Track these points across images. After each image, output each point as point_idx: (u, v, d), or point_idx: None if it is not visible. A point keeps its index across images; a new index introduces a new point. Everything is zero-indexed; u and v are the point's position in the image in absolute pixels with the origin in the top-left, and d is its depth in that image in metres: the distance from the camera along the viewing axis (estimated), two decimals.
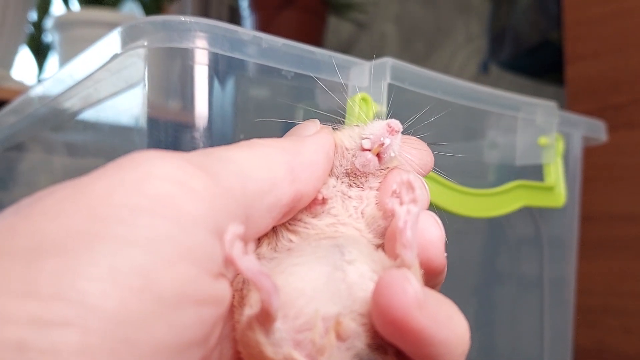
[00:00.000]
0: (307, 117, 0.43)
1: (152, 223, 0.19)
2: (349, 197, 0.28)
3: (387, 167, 0.29)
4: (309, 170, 0.26)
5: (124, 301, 0.18)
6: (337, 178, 0.29)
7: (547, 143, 0.54)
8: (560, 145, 0.56)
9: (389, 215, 0.27)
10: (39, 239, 0.18)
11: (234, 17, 1.61)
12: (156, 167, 0.21)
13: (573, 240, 0.62)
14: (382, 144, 0.28)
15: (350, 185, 0.29)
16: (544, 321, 0.61)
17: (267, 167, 0.24)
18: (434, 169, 0.31)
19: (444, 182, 0.46)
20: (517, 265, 0.63)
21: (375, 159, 0.28)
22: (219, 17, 1.61)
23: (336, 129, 0.30)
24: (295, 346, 0.23)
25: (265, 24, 1.38)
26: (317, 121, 0.29)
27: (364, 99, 0.39)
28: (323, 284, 0.24)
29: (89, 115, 0.49)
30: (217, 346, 0.24)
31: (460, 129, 0.54)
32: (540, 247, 0.61)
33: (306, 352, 0.23)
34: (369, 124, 0.29)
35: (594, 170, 0.94)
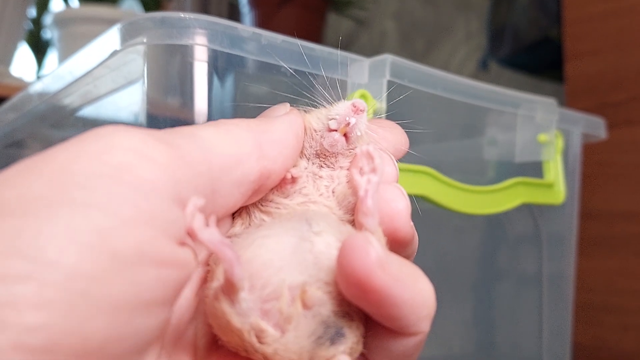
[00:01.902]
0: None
1: (110, 188, 0.20)
2: (320, 177, 0.29)
3: (356, 147, 0.29)
4: (277, 148, 0.26)
5: (80, 257, 0.18)
6: (308, 159, 0.29)
7: (546, 140, 0.54)
8: (559, 143, 0.56)
9: (356, 189, 0.27)
10: (1, 203, 0.19)
11: (234, 14, 1.61)
12: (118, 139, 0.21)
13: (572, 237, 0.62)
14: (348, 124, 0.28)
15: (321, 166, 0.29)
16: (543, 318, 0.61)
17: (234, 142, 0.25)
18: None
19: (443, 179, 0.46)
20: (516, 262, 0.63)
21: (343, 138, 0.29)
22: (218, 14, 1.60)
23: (305, 111, 0.30)
24: (262, 316, 0.23)
25: (264, 21, 1.38)
26: (287, 104, 0.30)
27: (363, 96, 0.40)
28: (290, 254, 0.24)
29: (88, 111, 0.49)
30: (191, 322, 0.24)
31: (460, 125, 0.54)
32: (540, 244, 0.61)
33: (273, 322, 0.23)
34: (335, 105, 0.30)
35: (593, 167, 0.94)
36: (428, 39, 1.76)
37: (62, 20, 1.16)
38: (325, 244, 0.25)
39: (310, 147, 0.29)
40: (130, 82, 0.40)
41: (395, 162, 0.29)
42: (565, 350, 0.63)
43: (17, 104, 0.57)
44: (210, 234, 0.22)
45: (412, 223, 0.27)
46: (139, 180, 0.20)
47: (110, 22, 1.03)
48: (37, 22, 1.38)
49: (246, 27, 0.37)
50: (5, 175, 0.20)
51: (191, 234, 0.22)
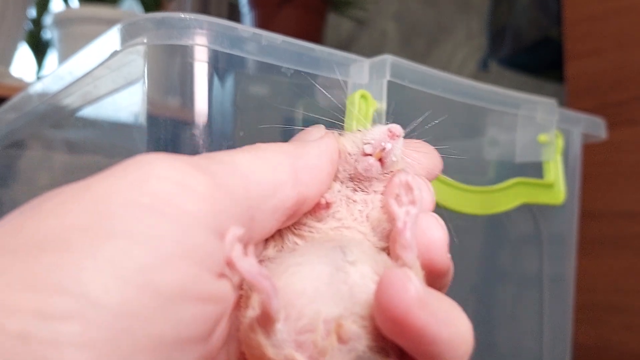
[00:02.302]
0: (307, 114, 0.43)
1: (152, 221, 0.20)
2: (354, 201, 0.28)
3: (391, 171, 0.29)
4: (312, 174, 0.26)
5: (124, 295, 0.18)
6: (342, 183, 0.29)
7: (547, 140, 0.54)
8: (560, 143, 0.56)
9: (393, 218, 0.27)
10: (42, 236, 0.18)
11: (234, 14, 1.61)
12: (158, 168, 0.21)
13: (573, 237, 0.62)
14: (384, 149, 0.28)
15: (355, 190, 0.29)
16: (544, 318, 0.61)
17: (270, 170, 0.25)
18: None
19: (444, 180, 0.46)
20: (517, 263, 0.63)
21: (378, 163, 0.28)
22: (218, 14, 1.60)
23: (340, 134, 0.30)
24: (296, 348, 0.23)
25: (264, 21, 1.38)
26: (322, 126, 0.30)
27: (363, 97, 0.39)
28: (325, 285, 0.24)
29: (88, 112, 0.49)
30: (224, 346, 0.24)
31: (460, 126, 0.54)
32: (540, 244, 0.61)
33: (307, 354, 0.23)
34: (370, 129, 0.29)
35: (594, 167, 0.94)
36: (428, 39, 1.76)
37: (62, 21, 1.16)
38: (361, 274, 0.24)
39: (344, 170, 0.29)
40: (131, 83, 0.40)
41: (432, 188, 0.28)
42: (566, 351, 0.63)
43: (17, 104, 0.57)
44: (249, 265, 0.22)
45: (449, 254, 0.26)
46: (180, 212, 0.20)
47: (110, 23, 1.03)
48: (37, 23, 1.38)
49: (246, 27, 0.37)
50: (48, 205, 0.20)
51: (230, 265, 0.22)
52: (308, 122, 0.45)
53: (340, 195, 0.29)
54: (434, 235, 0.26)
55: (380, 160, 0.28)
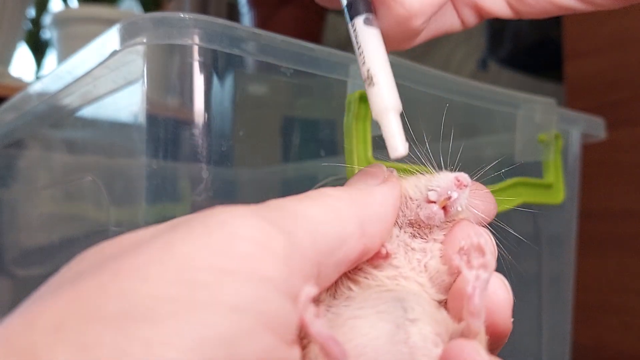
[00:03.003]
0: (306, 113, 0.43)
1: (236, 288, 0.19)
2: (412, 248, 0.28)
3: (453, 220, 0.28)
4: (377, 224, 0.25)
5: None
6: (400, 228, 0.28)
7: (546, 140, 0.54)
8: (559, 143, 0.56)
9: (454, 272, 0.26)
10: (129, 304, 0.18)
11: (233, 14, 1.61)
12: (239, 228, 0.21)
13: (572, 237, 0.62)
14: (449, 197, 0.27)
15: (414, 236, 0.28)
16: (543, 318, 0.61)
17: (337, 221, 0.24)
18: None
19: None
20: (516, 262, 0.63)
21: (441, 212, 0.28)
22: (217, 14, 1.60)
23: (401, 176, 0.29)
24: None
25: (264, 21, 1.38)
26: (384, 166, 0.28)
27: (363, 97, 0.39)
28: (384, 344, 0.23)
29: (87, 112, 0.49)
30: None
31: (459, 126, 0.54)
32: (539, 244, 0.61)
33: None
34: (436, 175, 0.29)
35: (593, 167, 0.94)
36: None
37: (61, 21, 1.16)
38: (422, 336, 0.24)
39: (404, 215, 0.28)
40: (130, 82, 0.40)
41: (494, 243, 0.27)
42: (565, 351, 0.63)
43: (16, 104, 0.57)
44: (321, 327, 0.21)
45: (512, 318, 0.26)
46: (261, 278, 0.20)
47: (109, 22, 1.03)
48: (36, 22, 1.38)
49: (245, 27, 0.37)
50: (131, 264, 0.19)
51: (303, 326, 0.21)
52: (308, 122, 0.45)
53: (399, 240, 0.28)
54: (500, 298, 0.25)
55: (444, 208, 0.28)
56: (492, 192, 0.51)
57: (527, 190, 0.54)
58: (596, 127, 0.62)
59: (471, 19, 0.32)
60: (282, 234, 0.21)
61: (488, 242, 0.25)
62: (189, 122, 0.37)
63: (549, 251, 0.61)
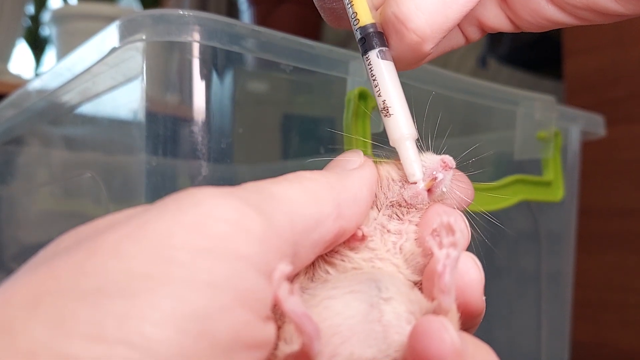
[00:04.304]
0: (306, 110, 0.43)
1: (211, 266, 0.19)
2: (388, 230, 0.28)
3: (434, 201, 0.28)
4: (353, 207, 0.26)
5: (183, 346, 0.18)
6: (379, 210, 0.28)
7: (545, 137, 0.54)
8: (558, 140, 0.56)
9: (428, 253, 0.26)
10: (104, 280, 0.18)
11: (232, 11, 1.61)
12: (215, 208, 0.21)
13: (571, 234, 0.62)
14: (435, 178, 0.28)
15: (391, 217, 0.28)
16: (542, 315, 0.62)
17: (314, 203, 0.24)
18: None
19: None
20: (515, 260, 0.63)
21: (426, 192, 0.28)
22: (217, 11, 1.60)
23: (380, 160, 0.29)
24: None
25: (263, 18, 1.38)
26: (360, 152, 0.29)
27: (362, 94, 0.39)
28: (359, 323, 0.24)
29: (87, 109, 0.49)
30: None
31: (459, 123, 0.54)
32: (538, 241, 0.61)
33: None
34: (422, 156, 0.29)
35: (592, 164, 0.94)
36: None
37: (60, 17, 1.16)
38: (395, 315, 0.24)
39: (386, 197, 0.28)
40: (129, 79, 0.40)
41: (468, 225, 0.28)
42: (564, 348, 0.63)
43: (15, 101, 0.57)
44: (295, 304, 0.21)
45: (484, 297, 0.26)
46: (236, 256, 0.20)
47: (108, 19, 1.03)
48: (35, 19, 1.38)
49: (245, 24, 0.37)
50: (105, 242, 0.20)
51: (277, 303, 0.21)
52: (307, 119, 0.45)
53: (376, 223, 0.28)
54: (471, 277, 0.26)
55: (429, 190, 0.28)
56: (492, 189, 0.51)
57: (527, 187, 0.54)
58: (596, 124, 0.62)
59: (475, 35, 0.33)
60: (258, 214, 0.22)
61: (458, 221, 0.25)
62: (189, 119, 0.37)
63: (549, 249, 0.61)
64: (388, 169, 0.29)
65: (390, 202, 0.28)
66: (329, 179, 0.26)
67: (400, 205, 0.28)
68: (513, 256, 0.63)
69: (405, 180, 0.28)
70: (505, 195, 0.52)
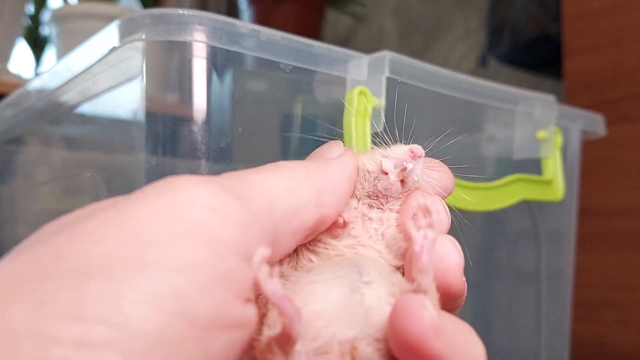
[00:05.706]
0: (306, 110, 0.43)
1: (188, 249, 0.20)
2: (370, 218, 0.29)
3: (409, 190, 0.29)
4: (333, 194, 0.27)
5: (162, 325, 0.18)
6: (359, 200, 0.29)
7: (545, 137, 0.54)
8: (558, 139, 0.56)
9: (409, 238, 0.27)
10: (84, 263, 0.19)
11: (232, 10, 1.61)
12: (193, 194, 0.21)
13: (571, 233, 0.62)
14: (405, 169, 0.28)
15: (371, 206, 0.29)
16: (542, 315, 0.62)
17: (294, 191, 0.25)
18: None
19: None
20: (515, 259, 0.63)
21: (398, 182, 0.29)
22: (217, 10, 1.60)
23: (358, 151, 0.30)
24: None
25: (263, 17, 1.38)
26: (341, 142, 0.30)
27: (362, 93, 0.39)
28: (340, 306, 0.24)
29: (86, 108, 0.49)
30: None
31: (459, 122, 0.54)
32: (538, 240, 0.61)
33: None
34: (391, 148, 0.30)
35: (592, 163, 0.94)
36: (427, 35, 1.76)
37: (60, 17, 1.16)
38: (376, 297, 0.24)
39: (363, 188, 0.29)
40: (129, 79, 0.40)
41: (448, 210, 0.28)
42: (563, 347, 0.63)
43: (15, 100, 0.57)
44: (274, 286, 0.22)
45: (464, 278, 0.27)
46: (214, 239, 0.20)
47: (108, 19, 1.03)
48: (35, 19, 1.38)
49: (245, 23, 0.37)
50: (86, 227, 0.20)
51: (257, 286, 0.22)
52: (307, 119, 0.45)
53: (357, 212, 0.29)
54: (451, 259, 0.26)
55: (401, 181, 0.29)
56: (492, 188, 0.51)
57: (527, 187, 0.54)
58: (595, 123, 0.62)
59: None
60: (238, 200, 0.22)
61: (435, 203, 0.26)
62: (188, 119, 0.37)
63: (549, 248, 0.61)
64: (363, 161, 0.30)
65: (367, 192, 0.29)
66: (307, 168, 0.26)
67: (377, 196, 0.29)
68: (513, 255, 0.63)
69: (379, 171, 0.29)
70: (505, 195, 0.52)
